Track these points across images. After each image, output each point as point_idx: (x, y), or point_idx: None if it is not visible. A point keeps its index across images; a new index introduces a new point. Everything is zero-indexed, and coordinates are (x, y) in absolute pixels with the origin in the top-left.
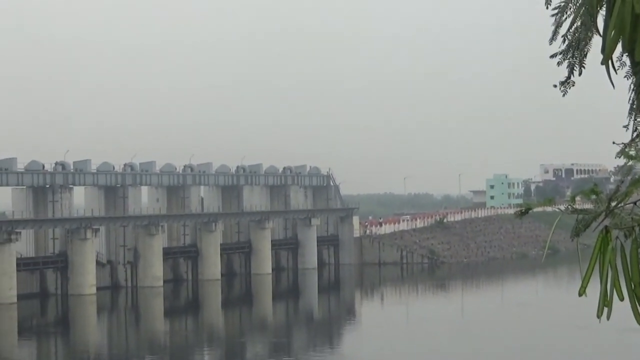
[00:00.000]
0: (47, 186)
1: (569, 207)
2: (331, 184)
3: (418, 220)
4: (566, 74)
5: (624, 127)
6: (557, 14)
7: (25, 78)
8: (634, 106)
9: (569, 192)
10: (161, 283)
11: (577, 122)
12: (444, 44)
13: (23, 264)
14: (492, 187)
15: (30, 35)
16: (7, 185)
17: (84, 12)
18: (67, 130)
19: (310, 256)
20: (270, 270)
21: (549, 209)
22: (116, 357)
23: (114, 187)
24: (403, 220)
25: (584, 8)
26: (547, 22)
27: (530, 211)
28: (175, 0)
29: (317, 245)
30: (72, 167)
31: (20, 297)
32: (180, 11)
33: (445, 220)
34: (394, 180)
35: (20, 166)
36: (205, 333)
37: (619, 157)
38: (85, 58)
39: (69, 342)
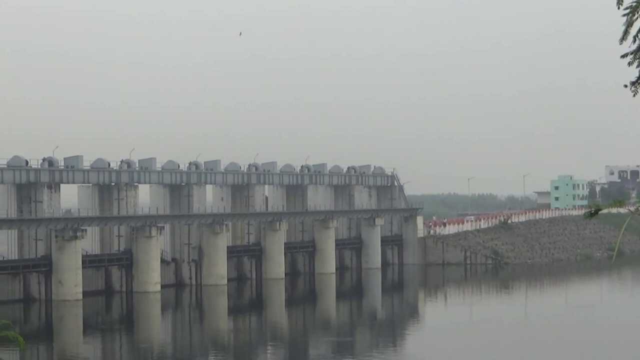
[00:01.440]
0: (113, 184)
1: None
2: (395, 184)
3: (482, 221)
4: (637, 74)
5: None
6: (628, 13)
7: (101, 75)
8: None
9: (634, 194)
10: (225, 281)
11: None
12: (514, 52)
13: (88, 261)
14: (556, 188)
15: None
16: (74, 182)
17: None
18: (132, 128)
19: (374, 256)
20: (334, 270)
21: (614, 210)
22: (180, 355)
23: (179, 185)
24: (467, 221)
25: None
26: (617, 23)
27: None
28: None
29: (381, 245)
30: (137, 165)
31: (85, 294)
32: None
33: (509, 221)
34: (458, 180)
35: (87, 164)
36: (268, 332)
37: None
38: (168, 61)
39: (133, 339)
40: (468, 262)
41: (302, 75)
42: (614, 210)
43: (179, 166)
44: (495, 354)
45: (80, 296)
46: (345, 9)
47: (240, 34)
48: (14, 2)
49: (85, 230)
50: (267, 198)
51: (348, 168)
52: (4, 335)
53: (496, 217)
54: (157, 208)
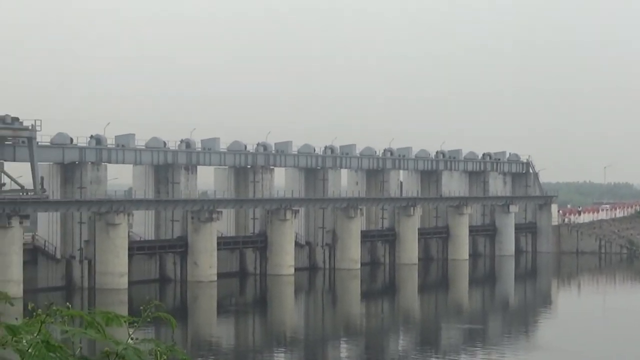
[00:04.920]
0: (249, 167)
1: None
2: (530, 171)
3: (617, 210)
4: None
5: None
6: None
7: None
8: None
9: None
10: (358, 266)
11: None
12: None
13: (223, 243)
14: None
15: None
16: (210, 165)
17: None
18: (267, 112)
19: (507, 243)
20: (467, 256)
21: None
22: (312, 338)
23: (314, 169)
24: (602, 210)
25: None
26: None
27: None
28: None
29: (515, 233)
30: (273, 148)
31: (220, 275)
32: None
33: None
34: (594, 168)
35: (223, 146)
36: (401, 316)
37: None
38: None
39: (266, 322)
40: (602, 251)
41: (430, 69)
42: None
43: (314, 150)
44: (628, 344)
45: (215, 277)
46: None
47: None
48: None
49: (221, 212)
50: (401, 183)
51: (483, 154)
52: (157, 315)
53: (632, 207)
54: (292, 191)
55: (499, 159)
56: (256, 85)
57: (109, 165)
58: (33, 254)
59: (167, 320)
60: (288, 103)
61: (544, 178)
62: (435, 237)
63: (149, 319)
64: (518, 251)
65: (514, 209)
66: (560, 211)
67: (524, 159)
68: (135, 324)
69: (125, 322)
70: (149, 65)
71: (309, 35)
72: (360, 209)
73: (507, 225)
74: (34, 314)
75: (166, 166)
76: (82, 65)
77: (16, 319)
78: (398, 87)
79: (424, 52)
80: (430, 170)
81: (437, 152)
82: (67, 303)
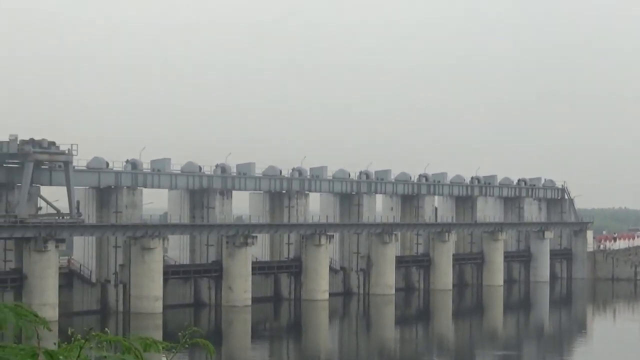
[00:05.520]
0: (284, 192)
1: None
2: (566, 197)
3: None
4: None
5: None
6: None
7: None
8: None
9: None
10: (393, 291)
11: None
12: None
13: (258, 268)
14: None
15: None
16: (245, 189)
17: None
18: (303, 136)
19: (542, 269)
20: (501, 282)
21: None
22: None
23: (349, 194)
24: (638, 236)
25: None
26: None
27: None
28: None
29: (550, 259)
30: (308, 173)
31: (254, 300)
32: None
33: None
34: (629, 195)
35: (258, 171)
36: (435, 342)
37: None
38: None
39: (300, 347)
40: (638, 277)
41: (465, 94)
42: None
43: (349, 175)
44: None
45: (249, 302)
46: None
47: None
48: None
49: (256, 237)
50: (436, 209)
51: (518, 180)
52: (195, 342)
53: None
54: (327, 216)
55: (534, 185)
56: (291, 109)
57: (144, 189)
58: (69, 277)
59: (205, 347)
60: (324, 128)
61: (579, 204)
62: (470, 262)
63: (186, 345)
64: (553, 277)
65: (549, 235)
66: (596, 237)
67: (559, 184)
68: (173, 350)
69: (163, 348)
70: (185, 92)
71: (342, 60)
72: (395, 235)
73: (542, 252)
74: (73, 339)
75: (201, 191)
76: (117, 92)
77: (54, 343)
78: (431, 113)
79: (461, 80)
80: (465, 196)
81: (472, 178)
82: (106, 328)
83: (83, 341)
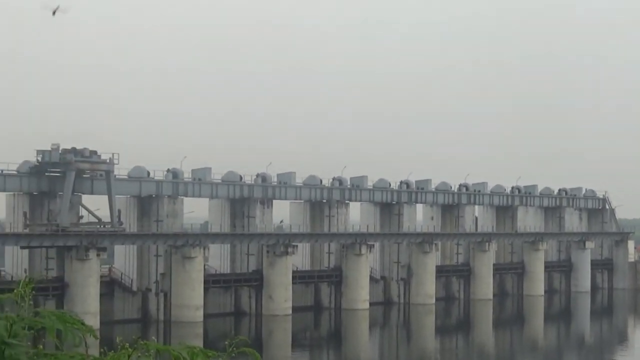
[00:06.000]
0: (324, 201)
1: None
2: (607, 207)
3: None
4: None
5: None
6: None
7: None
8: None
9: None
10: (433, 301)
11: None
12: None
13: (299, 277)
14: None
15: None
16: (286, 199)
17: None
18: (343, 147)
19: (583, 279)
20: (542, 292)
21: None
22: None
23: (389, 203)
24: None
25: None
26: None
27: None
28: None
29: (591, 269)
30: (349, 182)
31: (295, 309)
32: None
33: None
34: None
35: (299, 180)
36: (475, 352)
37: None
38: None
39: (340, 356)
40: None
41: (507, 104)
42: None
43: (389, 185)
44: None
45: (290, 311)
46: None
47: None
48: None
49: (296, 246)
50: (477, 218)
51: (559, 190)
52: (242, 351)
53: None
54: (367, 226)
55: (575, 195)
56: (331, 119)
57: (185, 198)
58: (110, 286)
59: (252, 355)
60: (363, 137)
61: (620, 214)
62: (511, 272)
63: (233, 354)
64: (594, 288)
65: (589, 245)
66: (637, 248)
67: (600, 194)
68: (220, 359)
69: (210, 356)
70: (227, 101)
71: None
72: (435, 244)
73: (583, 262)
74: (120, 347)
75: (242, 200)
76: (158, 100)
77: (102, 351)
78: (469, 120)
79: (509, 90)
80: (505, 206)
81: (512, 188)
82: (153, 337)
83: (131, 350)
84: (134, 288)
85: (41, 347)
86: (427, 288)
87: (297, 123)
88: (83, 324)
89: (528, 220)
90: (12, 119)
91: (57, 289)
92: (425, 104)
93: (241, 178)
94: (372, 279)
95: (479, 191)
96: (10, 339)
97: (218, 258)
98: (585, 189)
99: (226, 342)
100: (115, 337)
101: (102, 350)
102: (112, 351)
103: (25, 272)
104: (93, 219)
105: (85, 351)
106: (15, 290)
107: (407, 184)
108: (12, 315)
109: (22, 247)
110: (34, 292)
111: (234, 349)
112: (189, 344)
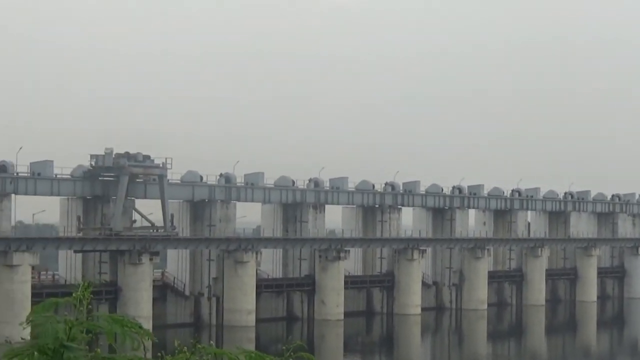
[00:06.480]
0: (377, 206)
1: None
2: None
3: None
4: None
5: None
6: None
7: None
8: None
9: None
10: (485, 306)
11: None
12: None
13: (351, 282)
14: None
15: None
16: (338, 204)
17: None
18: (396, 152)
19: (637, 285)
20: (595, 298)
21: None
22: None
23: (441, 209)
24: None
25: None
26: None
27: None
28: None
29: None
30: (401, 188)
31: (346, 314)
32: None
33: None
34: None
35: (351, 186)
36: (527, 359)
37: None
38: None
39: None
40: None
41: (558, 107)
42: None
43: (442, 190)
44: None
45: (342, 316)
46: None
47: None
48: None
49: (348, 251)
50: (529, 224)
51: (612, 196)
52: (299, 355)
53: None
54: (419, 231)
55: (629, 200)
56: (383, 126)
57: (237, 203)
58: (162, 290)
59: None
60: (417, 141)
61: None
62: (563, 278)
63: (290, 359)
64: None
65: None
66: None
67: None
68: None
69: None
70: (281, 105)
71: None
72: (488, 250)
73: (637, 268)
74: (177, 350)
75: (294, 205)
76: (209, 105)
77: (159, 355)
78: (525, 122)
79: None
80: (558, 211)
81: (565, 193)
82: (211, 341)
83: (189, 354)
84: (187, 292)
85: (99, 350)
86: (479, 293)
87: (349, 127)
88: (140, 327)
89: (581, 225)
90: (72, 116)
91: (110, 293)
92: (476, 109)
93: (294, 183)
94: (424, 284)
95: (532, 196)
96: (68, 342)
97: (270, 263)
98: (639, 195)
99: (283, 347)
100: (167, 342)
101: (159, 354)
102: (169, 355)
103: (82, 277)
104: (146, 224)
105: (144, 355)
106: (74, 294)
107: (460, 189)
108: (71, 319)
109: (76, 251)
110: (97, 296)
111: (291, 353)
112: (244, 348)
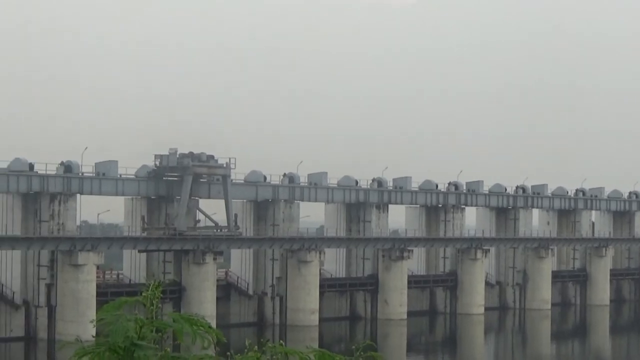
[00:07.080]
0: (440, 205)
1: None
2: None
3: None
4: None
5: None
6: None
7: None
8: None
9: None
10: (549, 306)
11: None
12: None
13: (414, 282)
14: None
15: None
16: (402, 203)
17: None
18: (459, 153)
19: None
20: None
21: None
22: None
23: (505, 208)
24: None
25: None
26: None
27: None
28: None
29: None
30: (464, 187)
31: (410, 313)
32: None
33: None
34: None
35: (415, 185)
36: (592, 359)
37: None
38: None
39: None
40: None
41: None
42: None
43: (505, 189)
44: None
45: (405, 316)
46: None
47: None
48: None
49: (412, 250)
50: (593, 223)
51: None
52: (369, 355)
53: None
54: (482, 231)
55: None
56: (447, 125)
57: (301, 203)
58: (226, 289)
59: None
60: (480, 142)
61: None
62: (628, 278)
63: (360, 358)
64: None
65: None
66: None
67: None
68: None
69: None
70: (340, 103)
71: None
72: (552, 249)
73: None
74: (247, 350)
75: (358, 204)
76: (274, 107)
77: (228, 354)
78: (593, 119)
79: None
80: (622, 211)
81: (629, 193)
82: (280, 340)
83: (259, 352)
84: (250, 292)
85: (168, 349)
86: (543, 293)
87: (411, 127)
88: (210, 327)
89: None
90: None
91: (174, 292)
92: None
93: (357, 182)
94: (488, 284)
95: (596, 196)
96: (139, 341)
97: (334, 262)
98: None
99: (353, 347)
100: (231, 341)
101: (229, 353)
102: (239, 354)
103: (146, 276)
104: (210, 223)
105: (215, 354)
106: (143, 294)
107: (523, 189)
108: (141, 317)
109: (140, 251)
110: (161, 295)
111: (361, 353)
112: (314, 347)
